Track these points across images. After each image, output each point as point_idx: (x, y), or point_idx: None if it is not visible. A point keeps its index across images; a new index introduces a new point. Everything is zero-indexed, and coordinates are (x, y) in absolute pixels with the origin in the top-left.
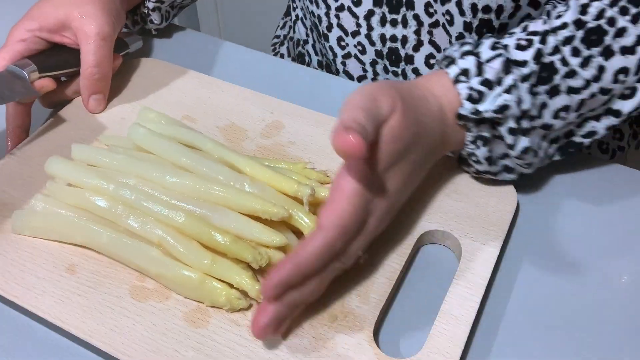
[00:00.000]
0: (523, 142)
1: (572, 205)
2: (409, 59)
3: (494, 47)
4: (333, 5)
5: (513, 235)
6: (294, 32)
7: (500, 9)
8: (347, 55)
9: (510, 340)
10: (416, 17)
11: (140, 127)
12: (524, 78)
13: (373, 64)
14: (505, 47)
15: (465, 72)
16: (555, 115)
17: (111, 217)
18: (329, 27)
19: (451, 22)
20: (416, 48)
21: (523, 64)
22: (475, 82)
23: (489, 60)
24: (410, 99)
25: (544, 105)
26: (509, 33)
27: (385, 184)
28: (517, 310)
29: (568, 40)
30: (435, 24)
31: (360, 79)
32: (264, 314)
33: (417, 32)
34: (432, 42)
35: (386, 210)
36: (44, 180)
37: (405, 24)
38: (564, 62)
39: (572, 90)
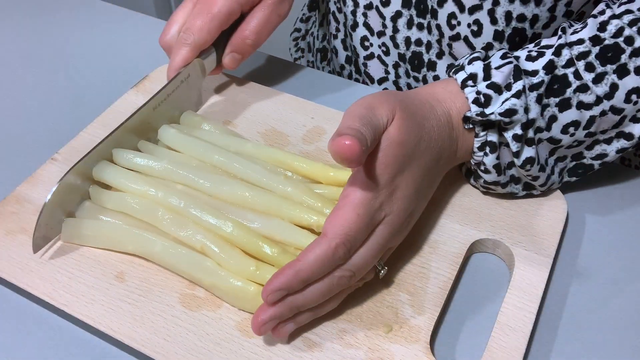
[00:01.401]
0: (527, 151)
1: (622, 213)
2: (432, 66)
3: (504, 57)
4: (362, 3)
5: (564, 243)
6: (322, 26)
7: (535, 18)
8: (370, 56)
9: (567, 350)
10: (438, 27)
11: (170, 128)
12: (533, 87)
13: (395, 66)
14: (517, 57)
15: (472, 77)
16: (564, 130)
17: (156, 223)
18: (354, 26)
19: (478, 33)
20: (439, 55)
21: (533, 73)
22: (482, 86)
23: (498, 67)
24: (411, 105)
25: (553, 118)
26: (523, 48)
27: (395, 191)
28: (572, 320)
29: (583, 55)
30: (455, 37)
31: (381, 81)
32: (263, 311)
33: (439, 42)
34: (451, 55)
35: (399, 219)
36: (79, 191)
37: (430, 30)
38: (577, 75)
39: (582, 106)
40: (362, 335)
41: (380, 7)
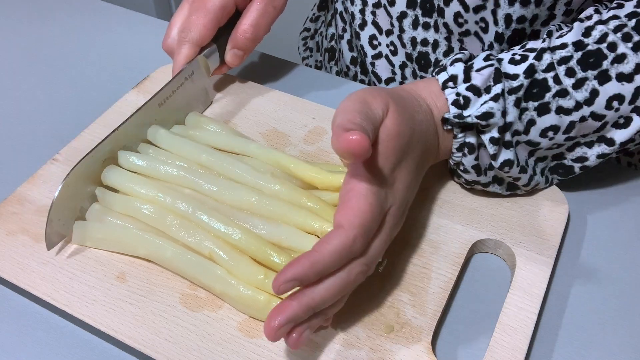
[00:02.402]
0: (505, 154)
1: (623, 214)
2: (439, 65)
3: (487, 59)
4: (370, 1)
5: (565, 243)
6: (331, 25)
7: (535, 17)
8: (378, 56)
9: (568, 350)
10: (446, 25)
11: (159, 128)
12: (512, 90)
13: (402, 66)
14: (499, 60)
15: (453, 78)
16: (543, 134)
17: (164, 229)
18: (362, 25)
19: (486, 29)
20: (447, 54)
21: (514, 77)
22: (462, 88)
23: (479, 70)
24: (401, 99)
25: (531, 122)
26: (509, 50)
27: (395, 182)
28: (574, 320)
29: (564, 60)
30: (465, 33)
31: (388, 81)
32: (278, 314)
33: (448, 39)
34: (463, 50)
35: (400, 210)
36: (85, 187)
37: (437, 29)
38: (557, 80)
39: (562, 111)
40: (363, 335)
41: (387, 6)
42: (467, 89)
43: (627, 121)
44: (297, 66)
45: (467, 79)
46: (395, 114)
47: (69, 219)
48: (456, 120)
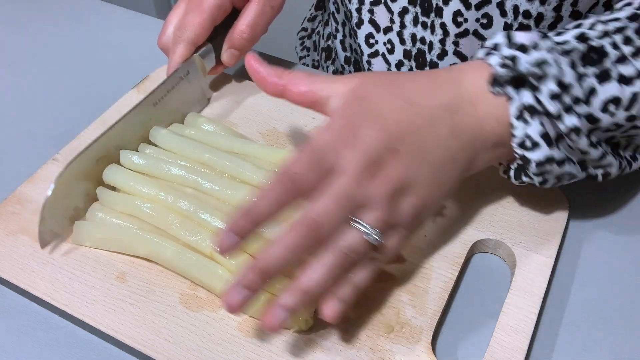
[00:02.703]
0: (570, 119)
1: (623, 213)
2: (434, 66)
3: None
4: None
5: (565, 243)
6: (327, 25)
7: (540, 17)
8: (374, 54)
9: (568, 350)
10: (443, 25)
11: (161, 129)
12: (565, 52)
13: (399, 65)
14: (544, 34)
15: (495, 47)
16: (604, 108)
17: (165, 228)
18: (359, 24)
19: (489, 25)
20: (440, 57)
21: (563, 43)
22: (506, 51)
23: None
24: (397, 77)
25: (592, 91)
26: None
27: (357, 143)
28: (574, 320)
29: (620, 30)
30: (463, 34)
31: None
32: (233, 286)
33: (442, 42)
34: (457, 53)
35: (359, 171)
36: (85, 187)
37: (433, 30)
38: (615, 46)
39: (623, 80)
40: (363, 335)
41: (389, 2)
42: (512, 47)
43: None
44: (295, 65)
45: (510, 41)
46: (355, 79)
47: (62, 217)
48: (507, 73)
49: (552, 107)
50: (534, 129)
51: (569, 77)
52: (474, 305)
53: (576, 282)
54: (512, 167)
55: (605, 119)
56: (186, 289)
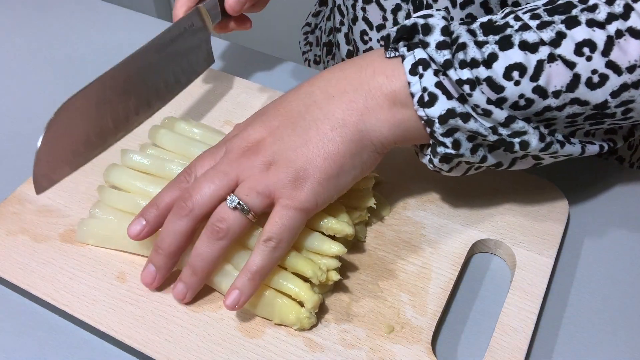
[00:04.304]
0: (462, 72)
1: (623, 213)
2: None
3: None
4: None
5: (565, 243)
6: (329, 20)
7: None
8: (368, 51)
9: (568, 350)
10: None
11: (160, 129)
12: (464, 23)
13: None
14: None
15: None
16: (507, 75)
17: None
18: (354, 20)
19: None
20: None
21: (468, 24)
22: (408, 22)
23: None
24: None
25: (493, 56)
26: None
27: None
28: (574, 320)
29: (529, 10)
30: None
31: None
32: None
33: None
34: None
35: (237, 151)
36: (87, 187)
37: None
38: (518, 19)
39: (527, 47)
40: (363, 335)
41: (381, 0)
42: (412, 17)
43: (603, 80)
44: (296, 65)
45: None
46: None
47: (59, 162)
48: (399, 32)
49: (438, 55)
50: (427, 79)
51: (465, 37)
52: (474, 305)
53: (576, 282)
54: (429, 149)
55: (510, 88)
56: None
